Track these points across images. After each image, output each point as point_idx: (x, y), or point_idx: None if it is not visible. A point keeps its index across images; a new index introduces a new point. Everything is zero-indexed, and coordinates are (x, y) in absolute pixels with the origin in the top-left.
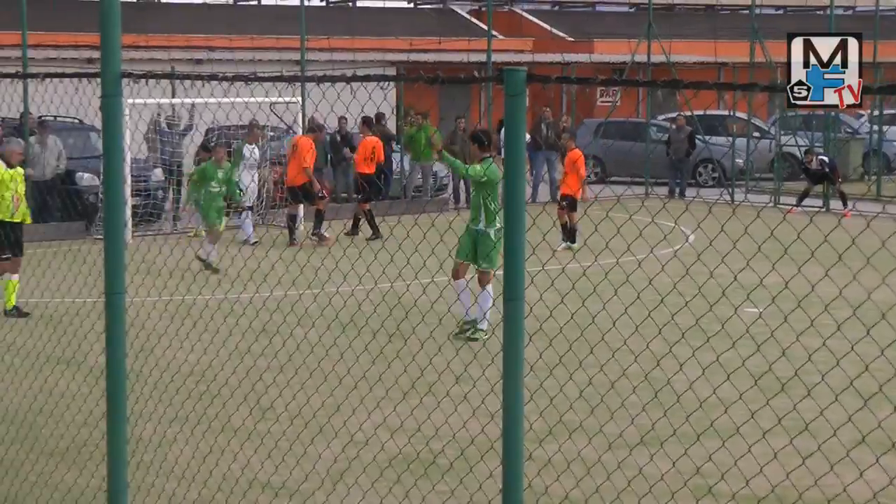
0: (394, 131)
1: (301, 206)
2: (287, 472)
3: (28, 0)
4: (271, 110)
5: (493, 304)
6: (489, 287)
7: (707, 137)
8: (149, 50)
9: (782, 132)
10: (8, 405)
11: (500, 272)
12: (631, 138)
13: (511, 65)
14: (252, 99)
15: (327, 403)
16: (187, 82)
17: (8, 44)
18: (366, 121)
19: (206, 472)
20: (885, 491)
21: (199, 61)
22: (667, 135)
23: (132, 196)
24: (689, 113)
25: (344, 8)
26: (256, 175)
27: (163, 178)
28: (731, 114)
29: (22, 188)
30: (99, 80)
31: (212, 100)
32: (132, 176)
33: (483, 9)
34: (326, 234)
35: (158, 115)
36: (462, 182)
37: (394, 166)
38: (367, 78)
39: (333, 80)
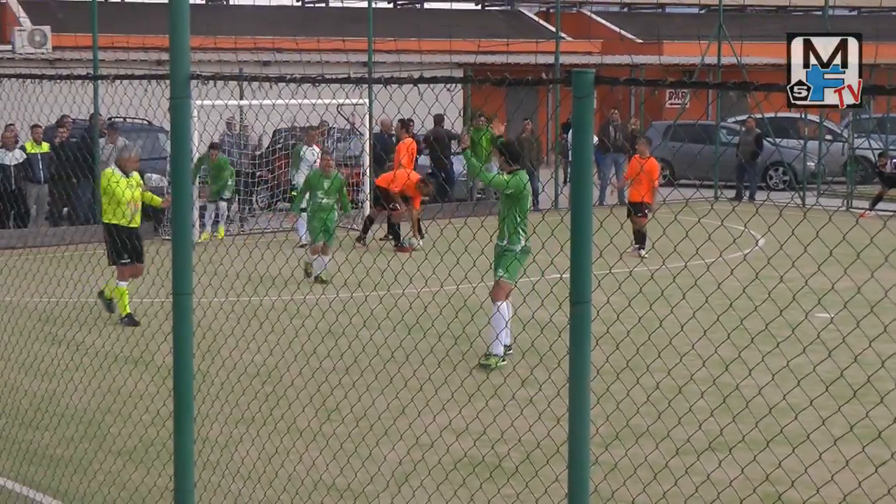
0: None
1: (385, 211)
2: (352, 474)
3: (99, 2)
4: (339, 112)
5: (507, 326)
6: (503, 306)
7: (778, 140)
8: (217, 51)
9: (855, 135)
10: (77, 404)
11: (520, 286)
12: (700, 141)
13: (579, 67)
14: (319, 101)
15: (393, 405)
16: (255, 84)
17: (79, 45)
18: (403, 123)
19: (271, 472)
20: None
21: (266, 63)
22: (736, 137)
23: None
24: (759, 115)
25: (411, 10)
26: None
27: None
28: (803, 116)
29: (138, 194)
30: (168, 81)
31: (279, 101)
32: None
33: (551, 10)
34: (409, 244)
35: (230, 120)
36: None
37: (459, 168)
38: (434, 80)
39: (401, 81)
